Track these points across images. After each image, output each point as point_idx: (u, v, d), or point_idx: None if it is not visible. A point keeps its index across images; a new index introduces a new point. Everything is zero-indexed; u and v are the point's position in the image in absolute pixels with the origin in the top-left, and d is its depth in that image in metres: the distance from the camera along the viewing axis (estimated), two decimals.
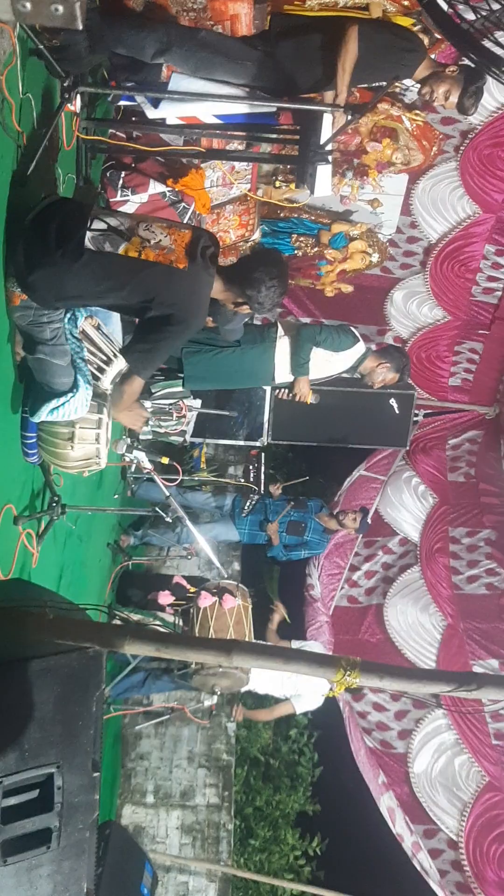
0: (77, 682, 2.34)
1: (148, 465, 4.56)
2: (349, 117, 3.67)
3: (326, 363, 5.10)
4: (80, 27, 1.69)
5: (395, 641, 6.86)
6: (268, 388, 6.02)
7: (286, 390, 5.20)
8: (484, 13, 3.49)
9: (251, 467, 6.11)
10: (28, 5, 1.64)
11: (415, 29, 4.86)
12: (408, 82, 4.83)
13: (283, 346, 5.01)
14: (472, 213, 6.38)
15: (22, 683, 2.23)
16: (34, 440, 3.46)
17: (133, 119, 4.54)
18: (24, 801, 2.29)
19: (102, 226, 3.07)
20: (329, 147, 3.87)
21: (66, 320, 3.21)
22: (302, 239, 6.53)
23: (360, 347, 5.07)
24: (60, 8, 1.64)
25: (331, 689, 5.55)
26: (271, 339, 5.00)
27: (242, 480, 6.09)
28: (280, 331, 5.04)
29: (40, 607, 2.24)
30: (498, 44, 3.53)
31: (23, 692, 2.23)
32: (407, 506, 7.55)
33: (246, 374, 5.13)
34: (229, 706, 6.41)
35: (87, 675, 2.35)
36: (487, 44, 3.69)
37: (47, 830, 2.32)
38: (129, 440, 4.46)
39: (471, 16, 3.79)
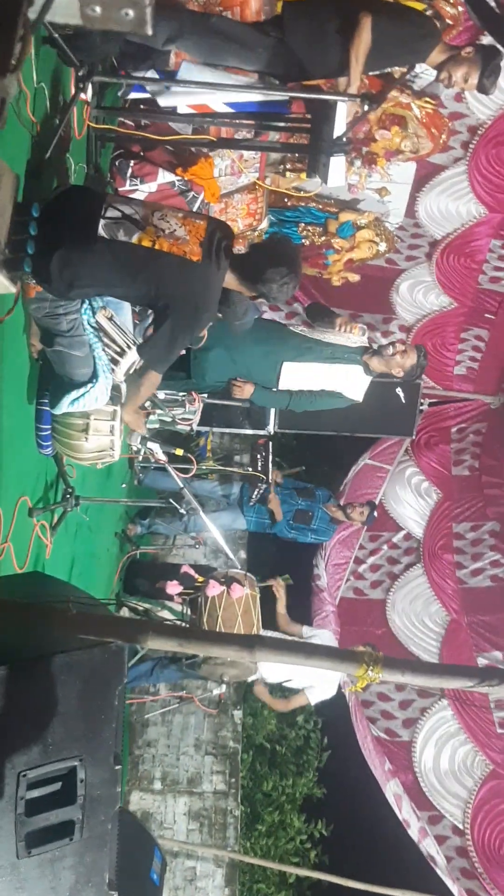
0: (99, 677, 2.35)
1: (163, 457, 4.56)
2: (366, 107, 3.64)
3: (338, 335, 5.13)
4: (151, 32, 1.67)
5: (398, 637, 6.92)
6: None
7: None
8: None
9: (259, 456, 6.09)
10: (98, 9, 1.61)
11: (427, 13, 4.83)
12: (418, 69, 4.81)
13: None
14: (477, 215, 6.38)
15: (46, 678, 2.24)
16: (48, 432, 3.47)
17: (142, 107, 4.50)
18: (48, 793, 2.31)
19: (117, 214, 3.05)
20: (346, 137, 3.84)
21: (82, 311, 3.21)
22: (309, 228, 6.50)
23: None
24: (131, 12, 1.61)
25: (352, 685, 5.57)
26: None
27: (250, 469, 6.07)
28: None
29: (64, 603, 2.25)
30: None
31: (47, 687, 2.24)
32: (411, 503, 7.58)
33: (260, 338, 5.11)
34: (237, 695, 6.45)
35: (109, 669, 2.36)
36: None
37: (70, 823, 2.34)
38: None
39: None
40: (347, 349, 5.11)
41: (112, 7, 1.61)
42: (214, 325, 4.97)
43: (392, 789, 6.18)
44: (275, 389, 5.19)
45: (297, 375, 5.09)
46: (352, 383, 5.19)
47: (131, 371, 3.63)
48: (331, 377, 5.13)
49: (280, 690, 6.46)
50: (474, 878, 5.86)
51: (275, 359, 5.07)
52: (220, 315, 4.41)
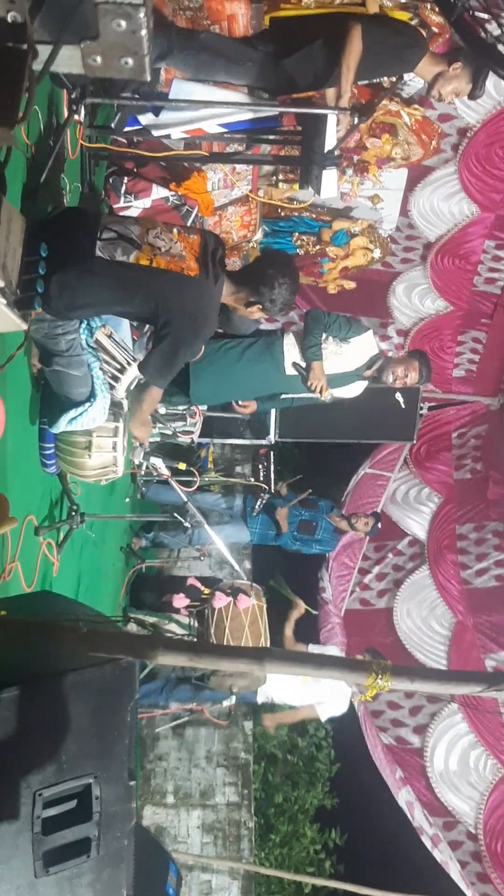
0: (111, 693, 2.35)
1: (165, 471, 4.58)
2: (356, 120, 3.67)
3: (337, 356, 4.95)
4: (149, 79, 1.71)
5: (406, 643, 6.92)
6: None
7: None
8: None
9: (260, 466, 6.12)
10: (99, 59, 1.66)
11: (412, 23, 4.87)
12: (406, 76, 4.84)
13: (290, 340, 4.89)
14: (469, 214, 6.41)
15: (58, 697, 2.24)
16: (52, 451, 3.49)
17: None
18: (64, 811, 2.31)
19: (112, 234, 3.08)
20: (337, 150, 3.87)
21: (80, 331, 3.23)
22: (304, 237, 6.54)
23: (370, 336, 4.96)
24: (130, 61, 1.66)
25: (362, 693, 5.57)
26: (278, 340, 4.91)
27: (252, 480, 6.10)
28: (288, 336, 4.95)
29: (74, 620, 2.26)
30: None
31: (59, 705, 2.24)
32: (413, 510, 7.59)
33: (254, 374, 5.06)
34: (247, 705, 6.44)
35: (121, 685, 2.36)
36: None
37: (87, 840, 2.34)
38: (143, 446, 4.48)
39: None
40: (347, 375, 4.98)
41: (112, 57, 1.66)
42: (209, 360, 4.96)
43: (404, 797, 6.17)
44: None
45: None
46: (349, 392, 5.17)
47: (132, 387, 3.66)
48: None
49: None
50: (489, 882, 5.85)
51: (271, 387, 5.06)
52: (219, 330, 4.44)
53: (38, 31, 1.61)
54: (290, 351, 4.86)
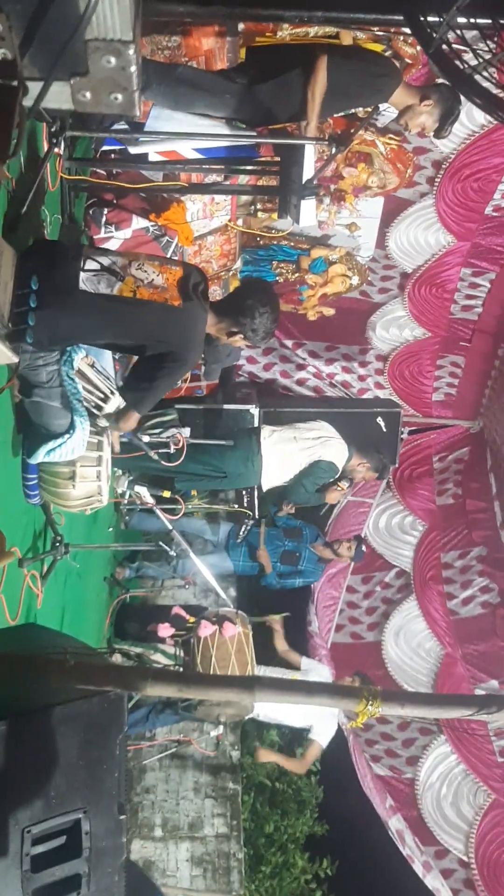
0: (99, 727, 2.34)
1: (150, 500, 4.57)
2: (334, 150, 3.72)
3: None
4: (139, 114, 1.72)
5: (394, 677, 6.92)
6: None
7: None
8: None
9: (244, 492, 6.09)
10: (88, 95, 1.67)
11: (386, 54, 4.97)
12: (381, 106, 4.93)
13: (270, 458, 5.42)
14: (446, 244, 6.49)
15: (46, 731, 2.22)
16: (35, 481, 3.47)
17: (113, 157, 4.59)
18: (53, 848, 2.28)
19: (95, 266, 3.09)
20: (315, 180, 3.92)
21: (62, 362, 3.22)
22: (282, 265, 6.59)
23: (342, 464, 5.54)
24: (120, 97, 1.67)
25: (351, 720, 5.55)
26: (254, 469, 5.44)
27: (237, 506, 6.07)
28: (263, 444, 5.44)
29: (61, 654, 2.25)
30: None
31: (47, 739, 2.23)
32: (398, 539, 7.61)
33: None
34: (234, 735, 6.39)
35: (109, 718, 2.35)
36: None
37: (77, 876, 2.31)
38: (129, 475, 4.47)
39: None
40: None
41: (101, 92, 1.67)
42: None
43: (395, 825, 6.13)
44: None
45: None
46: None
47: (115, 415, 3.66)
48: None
49: (282, 736, 6.40)
50: None
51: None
52: (203, 356, 4.47)
53: (28, 67, 1.62)
54: (268, 479, 5.53)
